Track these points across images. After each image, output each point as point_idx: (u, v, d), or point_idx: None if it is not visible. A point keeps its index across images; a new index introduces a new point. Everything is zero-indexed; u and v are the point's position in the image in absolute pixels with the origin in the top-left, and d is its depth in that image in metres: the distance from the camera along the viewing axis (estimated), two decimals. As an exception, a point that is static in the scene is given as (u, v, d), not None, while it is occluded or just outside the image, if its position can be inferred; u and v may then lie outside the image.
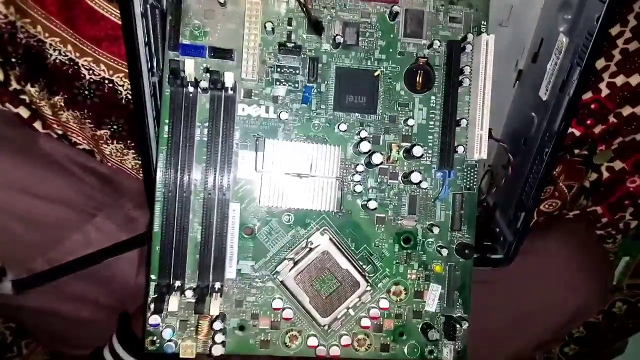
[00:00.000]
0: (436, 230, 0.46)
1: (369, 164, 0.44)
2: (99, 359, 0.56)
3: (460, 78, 0.45)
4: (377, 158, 0.42)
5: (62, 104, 0.58)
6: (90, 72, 0.57)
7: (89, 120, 0.59)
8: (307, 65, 0.44)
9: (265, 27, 0.43)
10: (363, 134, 0.44)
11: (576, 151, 0.67)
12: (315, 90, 0.44)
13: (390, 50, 0.46)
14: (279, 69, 0.44)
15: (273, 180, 0.43)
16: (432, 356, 0.46)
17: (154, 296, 0.42)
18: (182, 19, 0.42)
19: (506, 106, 0.58)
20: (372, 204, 0.44)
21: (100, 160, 0.63)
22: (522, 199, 0.52)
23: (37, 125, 0.59)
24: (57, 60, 0.56)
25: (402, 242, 0.45)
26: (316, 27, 0.43)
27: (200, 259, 0.42)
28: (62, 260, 0.55)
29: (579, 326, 0.83)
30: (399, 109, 0.46)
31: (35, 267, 0.54)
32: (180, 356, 0.42)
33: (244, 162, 0.44)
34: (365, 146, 0.42)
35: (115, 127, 0.60)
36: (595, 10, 0.42)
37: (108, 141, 0.61)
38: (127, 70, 0.56)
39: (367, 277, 0.45)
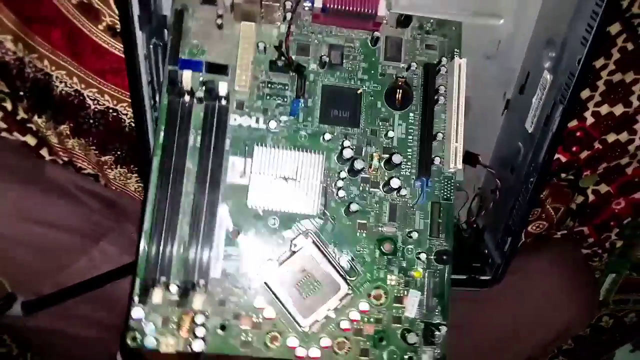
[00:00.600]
0: (415, 235, 0.47)
1: (351, 171, 0.46)
2: (103, 376, 0.58)
3: (436, 97, 0.48)
4: (359, 164, 0.44)
5: (68, 132, 0.60)
6: (95, 102, 0.59)
7: (94, 147, 0.61)
8: (296, 82, 0.47)
9: (258, 47, 0.46)
10: (346, 143, 0.46)
11: (563, 175, 0.68)
12: (302, 105, 0.46)
13: (372, 71, 0.48)
14: (269, 85, 0.47)
15: (260, 183, 0.45)
16: None
17: (138, 290, 0.42)
18: (182, 39, 0.45)
19: (496, 132, 0.60)
20: (354, 207, 0.45)
21: (105, 184, 0.65)
22: (509, 225, 0.54)
23: (44, 152, 0.61)
24: (63, 92, 0.58)
25: (382, 248, 0.46)
26: (298, 70, 0.46)
27: (186, 257, 0.43)
28: (69, 284, 0.56)
29: (567, 341, 0.85)
30: (380, 123, 0.48)
31: (43, 292, 0.56)
32: (161, 351, 0.42)
33: (233, 167, 0.45)
34: (347, 152, 0.45)
35: (119, 153, 0.62)
36: (577, 51, 0.43)
37: (112, 166, 0.63)
38: (129, 100, 0.58)
39: (348, 280, 0.45)
